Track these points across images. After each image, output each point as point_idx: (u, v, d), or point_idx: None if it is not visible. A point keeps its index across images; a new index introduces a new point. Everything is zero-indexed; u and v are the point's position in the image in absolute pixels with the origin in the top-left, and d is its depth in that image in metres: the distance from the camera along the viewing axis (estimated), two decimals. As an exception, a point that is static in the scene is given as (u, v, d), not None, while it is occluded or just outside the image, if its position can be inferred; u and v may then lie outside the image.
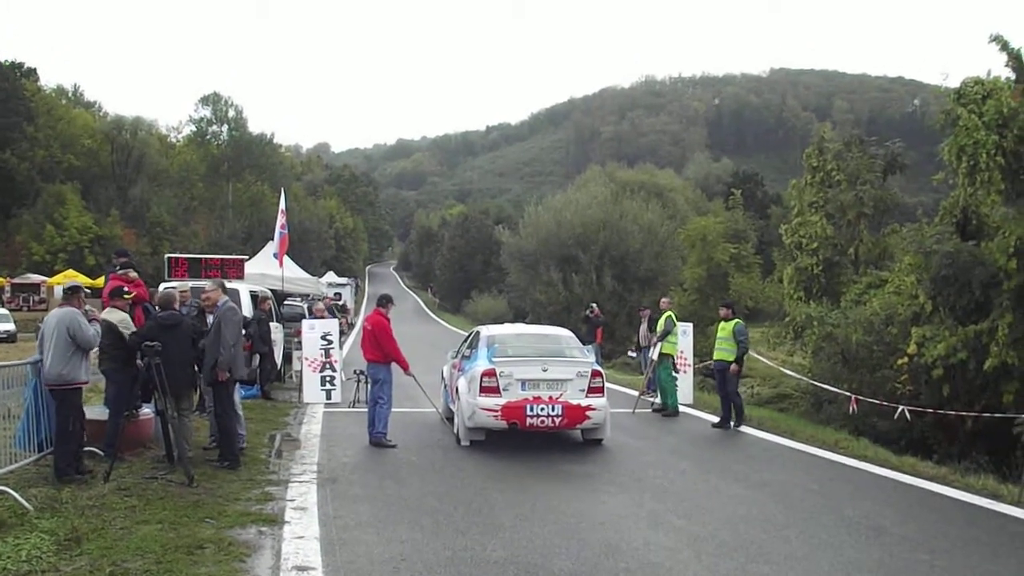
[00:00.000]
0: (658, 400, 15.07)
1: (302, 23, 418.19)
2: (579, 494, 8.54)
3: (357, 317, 46.52)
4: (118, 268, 11.18)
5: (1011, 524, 7.83)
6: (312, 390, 15.20)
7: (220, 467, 9.11)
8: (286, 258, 21.11)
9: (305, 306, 23.18)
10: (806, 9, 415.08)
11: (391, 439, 11.11)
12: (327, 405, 14.74)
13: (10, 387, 8.46)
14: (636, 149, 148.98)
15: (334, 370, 15.34)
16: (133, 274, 11.08)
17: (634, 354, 22.56)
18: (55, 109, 70.02)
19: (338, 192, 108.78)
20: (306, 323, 16.26)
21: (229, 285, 11.96)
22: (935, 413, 13.87)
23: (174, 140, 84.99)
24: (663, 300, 16.44)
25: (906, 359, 15.30)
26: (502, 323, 15.82)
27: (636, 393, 15.85)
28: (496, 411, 10.52)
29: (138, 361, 9.05)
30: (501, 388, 10.64)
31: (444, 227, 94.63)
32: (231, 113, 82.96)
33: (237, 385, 10.04)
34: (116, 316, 9.39)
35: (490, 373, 10.70)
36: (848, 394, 15.53)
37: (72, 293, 8.70)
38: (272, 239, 22.52)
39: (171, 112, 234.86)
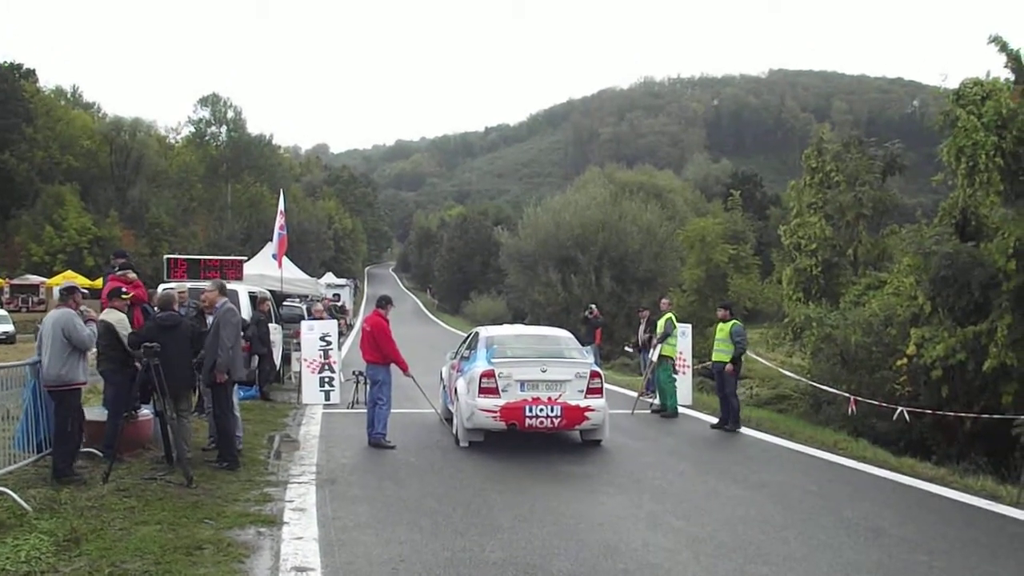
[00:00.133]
0: (657, 401, 15.07)
1: (301, 24, 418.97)
2: (578, 495, 8.54)
3: (356, 318, 46.52)
4: (117, 269, 11.19)
5: (1010, 525, 7.84)
6: (311, 391, 15.19)
7: (219, 468, 9.11)
8: (285, 259, 21.10)
9: (304, 307, 23.18)
10: (805, 10, 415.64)
11: (390, 440, 11.11)
12: (326, 406, 14.73)
13: (9, 388, 8.45)
14: (635, 150, 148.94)
15: (333, 371, 15.34)
16: (132, 275, 11.09)
17: (630, 350, 22.53)
18: (54, 110, 70.05)
19: (337, 193, 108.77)
20: (305, 324, 16.25)
21: (228, 286, 11.94)
22: (934, 414, 13.88)
23: (173, 141, 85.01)
24: (663, 301, 16.43)
25: (905, 360, 15.31)
26: (501, 324, 15.81)
27: (635, 394, 15.85)
28: (495, 412, 10.52)
29: (136, 363, 9.06)
30: (500, 389, 10.64)
31: (443, 228, 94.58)
32: (230, 114, 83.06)
33: (236, 386, 10.04)
34: (114, 317, 9.39)
35: (489, 374, 10.70)
36: (847, 395, 15.54)
37: (68, 294, 8.69)
38: (271, 240, 22.50)
39: (170, 113, 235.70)
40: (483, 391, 10.65)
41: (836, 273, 24.72)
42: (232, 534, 6.74)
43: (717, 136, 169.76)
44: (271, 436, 11.40)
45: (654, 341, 15.27)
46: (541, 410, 10.52)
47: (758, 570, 6.25)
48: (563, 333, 12.82)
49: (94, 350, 9.21)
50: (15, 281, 50.47)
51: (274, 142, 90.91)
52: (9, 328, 35.15)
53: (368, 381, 11.83)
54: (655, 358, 14.87)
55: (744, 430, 13.12)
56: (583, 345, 12.94)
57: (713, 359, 13.68)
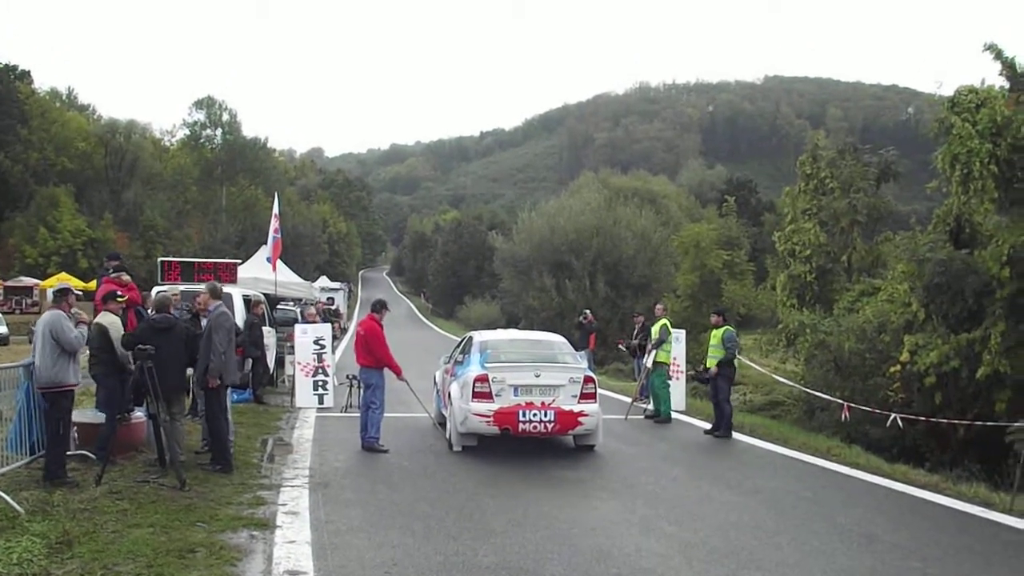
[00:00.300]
0: (651, 407, 15.08)
1: (296, 27, 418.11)
2: (571, 500, 8.55)
3: (350, 322, 46.47)
4: (110, 271, 11.19)
5: (1003, 532, 7.86)
6: (304, 394, 15.18)
7: (212, 471, 9.10)
8: (279, 262, 21.06)
9: (298, 311, 23.14)
10: (800, 16, 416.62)
11: (383, 444, 11.10)
12: (319, 410, 14.72)
13: (2, 390, 8.44)
14: (630, 155, 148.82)
15: (327, 375, 15.32)
16: (126, 277, 11.08)
17: (624, 349, 22.52)
18: (49, 112, 69.77)
19: (331, 196, 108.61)
20: (299, 327, 16.23)
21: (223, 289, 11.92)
22: (927, 421, 13.89)
23: (168, 144, 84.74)
24: (657, 307, 16.46)
25: (898, 367, 15.31)
26: (495, 329, 15.81)
27: (629, 399, 15.85)
28: (488, 416, 10.52)
29: (128, 365, 9.04)
30: (494, 393, 10.64)
31: (437, 232, 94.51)
32: (225, 117, 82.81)
33: (229, 390, 10.03)
34: (108, 320, 9.37)
35: (483, 378, 10.70)
36: (840, 401, 15.53)
37: (61, 296, 8.68)
38: (265, 243, 22.46)
39: (165, 116, 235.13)
40: (477, 395, 10.65)
41: (830, 279, 24.72)
42: (225, 537, 6.73)
43: (712, 142, 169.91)
44: (264, 439, 11.39)
45: (648, 347, 15.28)
46: (535, 415, 10.51)
47: (750, 575, 6.25)
48: (557, 338, 12.82)
49: (87, 352, 9.19)
50: (9, 283, 50.30)
51: (269, 145, 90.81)
52: (2, 330, 35.15)
53: (362, 385, 11.83)
54: (649, 364, 14.89)
55: (737, 436, 13.14)
56: (577, 350, 12.93)
57: (707, 365, 13.71)
